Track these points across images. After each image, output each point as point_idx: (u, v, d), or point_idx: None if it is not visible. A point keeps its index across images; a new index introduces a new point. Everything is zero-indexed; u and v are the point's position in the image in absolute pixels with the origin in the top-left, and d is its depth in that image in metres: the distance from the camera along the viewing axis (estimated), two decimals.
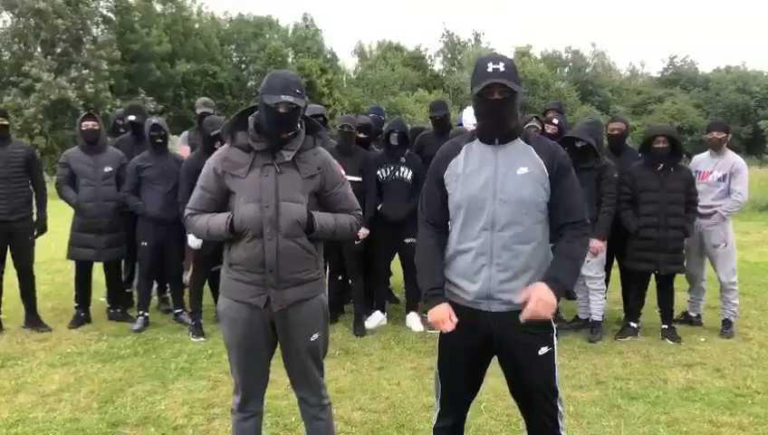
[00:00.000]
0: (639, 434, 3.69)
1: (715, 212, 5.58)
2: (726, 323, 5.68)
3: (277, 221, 2.62)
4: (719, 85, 47.46)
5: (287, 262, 2.66)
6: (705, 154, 5.88)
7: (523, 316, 2.35)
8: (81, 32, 29.30)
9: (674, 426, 3.78)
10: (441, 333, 2.63)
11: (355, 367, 4.79)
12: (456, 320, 2.46)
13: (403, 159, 5.75)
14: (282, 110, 2.59)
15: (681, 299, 5.97)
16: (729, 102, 44.89)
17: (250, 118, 2.72)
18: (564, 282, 2.43)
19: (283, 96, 2.56)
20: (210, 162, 2.75)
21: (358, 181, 5.54)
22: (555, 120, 6.29)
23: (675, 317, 5.71)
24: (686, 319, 6.02)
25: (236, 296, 2.72)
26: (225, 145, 2.75)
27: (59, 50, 28.69)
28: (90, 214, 5.59)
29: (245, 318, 2.71)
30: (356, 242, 5.62)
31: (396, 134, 5.74)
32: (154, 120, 5.83)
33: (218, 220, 2.68)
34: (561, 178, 2.48)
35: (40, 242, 5.76)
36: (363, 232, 5.61)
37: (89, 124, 5.71)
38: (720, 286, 5.75)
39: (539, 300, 2.34)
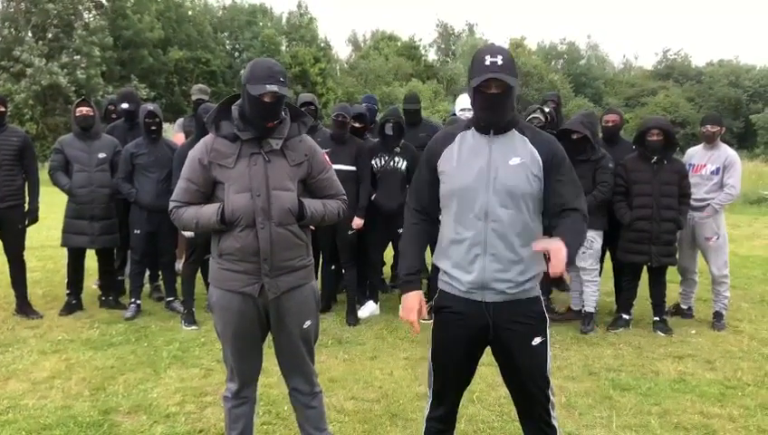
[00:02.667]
0: (631, 425, 3.70)
1: (708, 205, 5.60)
2: (717, 316, 5.72)
3: (269, 210, 2.62)
4: (712, 79, 47.61)
5: (280, 250, 2.65)
6: (699, 147, 5.90)
7: (554, 270, 2.26)
8: (72, 17, 28.99)
9: (665, 417, 3.81)
10: (435, 322, 2.64)
11: (348, 356, 4.80)
12: (424, 314, 2.54)
13: (398, 149, 5.73)
14: (267, 99, 2.58)
15: (673, 291, 6.00)
16: (721, 96, 45.06)
17: (234, 107, 2.69)
18: (572, 249, 2.33)
19: (267, 86, 2.54)
20: (194, 153, 2.71)
21: (352, 171, 5.53)
22: (546, 108, 6.27)
23: (666, 309, 5.74)
24: (678, 311, 6.05)
25: (228, 286, 2.70)
26: (210, 135, 2.72)
27: (50, 35, 28.39)
28: (83, 200, 5.55)
29: (239, 308, 2.70)
30: (349, 232, 5.61)
31: (391, 124, 5.71)
32: (149, 106, 5.78)
33: (208, 212, 2.65)
34: (558, 171, 2.48)
35: (32, 228, 5.72)
36: (357, 222, 5.60)
37: (83, 110, 5.66)
38: (711, 279, 5.79)
39: (560, 256, 2.26)
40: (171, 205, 2.77)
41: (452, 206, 2.51)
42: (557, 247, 2.26)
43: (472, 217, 2.45)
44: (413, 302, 2.55)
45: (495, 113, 2.45)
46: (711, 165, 5.69)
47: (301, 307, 2.77)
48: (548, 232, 2.60)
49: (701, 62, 52.89)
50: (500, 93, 2.40)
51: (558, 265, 2.25)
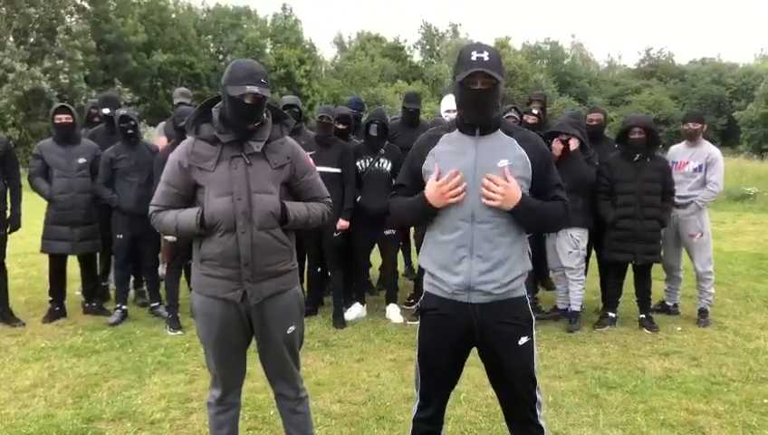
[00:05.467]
0: (617, 423, 3.71)
1: (692, 202, 5.63)
2: (702, 312, 5.75)
3: (250, 214, 2.58)
4: (695, 77, 48.07)
5: (262, 254, 2.61)
6: (682, 145, 5.94)
7: (487, 182, 2.38)
8: (54, 21, 28.71)
9: (651, 415, 3.82)
10: (421, 324, 2.63)
11: (334, 359, 4.77)
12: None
13: (383, 151, 5.71)
14: (247, 101, 2.54)
15: (658, 288, 6.04)
16: (704, 94, 45.49)
17: (214, 109, 2.66)
18: (531, 205, 2.43)
19: (248, 87, 2.51)
20: (174, 156, 2.67)
21: (337, 172, 5.51)
22: (535, 111, 6.30)
23: (652, 306, 5.77)
24: (663, 308, 6.08)
25: (210, 292, 2.66)
26: (190, 138, 2.68)
27: (32, 39, 28.12)
28: (63, 206, 5.49)
29: (221, 314, 2.66)
30: (335, 234, 5.59)
31: (376, 125, 5.70)
32: (122, 111, 5.74)
33: (187, 216, 2.61)
34: (545, 173, 2.49)
35: (14, 234, 5.64)
36: (343, 224, 5.58)
37: (62, 118, 5.60)
38: (696, 276, 5.82)
39: (507, 187, 2.37)
40: (151, 209, 2.73)
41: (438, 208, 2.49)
42: (513, 190, 2.37)
43: (458, 218, 2.43)
44: (434, 184, 2.43)
45: (480, 110, 2.44)
46: (694, 162, 5.72)
47: (284, 313, 2.73)
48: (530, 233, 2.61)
49: (684, 61, 53.48)
50: (486, 89, 2.39)
51: (495, 195, 2.37)
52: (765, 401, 4.02)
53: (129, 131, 5.59)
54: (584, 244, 5.55)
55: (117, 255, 5.76)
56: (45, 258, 5.84)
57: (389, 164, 5.68)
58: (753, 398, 4.07)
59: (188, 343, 5.05)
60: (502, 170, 2.41)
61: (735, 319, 5.88)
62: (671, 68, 51.83)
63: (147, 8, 35.77)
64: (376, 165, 5.70)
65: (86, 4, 31.37)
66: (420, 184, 2.55)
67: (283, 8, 44.73)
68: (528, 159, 2.45)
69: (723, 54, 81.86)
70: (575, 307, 5.58)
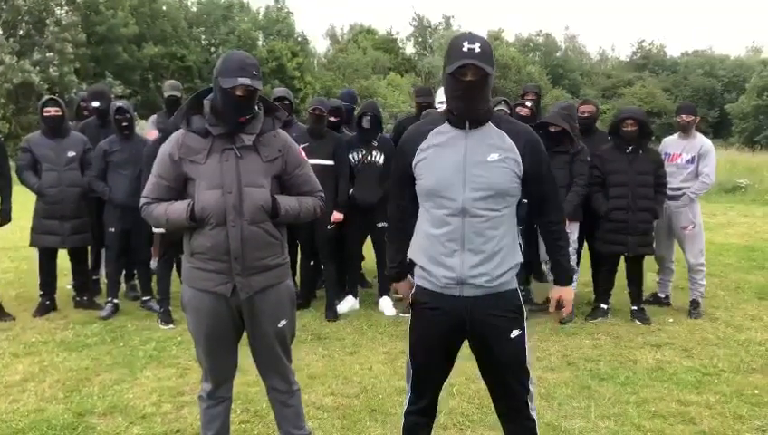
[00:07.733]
0: (609, 415, 3.72)
1: (684, 194, 5.65)
2: (694, 304, 5.77)
3: (241, 207, 2.56)
4: (687, 69, 48.24)
5: (253, 248, 2.60)
6: (674, 136, 5.95)
7: (563, 317, 2.57)
8: (44, 13, 28.49)
9: (643, 406, 3.83)
10: (412, 318, 2.62)
11: (327, 352, 4.76)
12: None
13: (375, 143, 5.70)
14: (239, 93, 2.52)
15: (650, 280, 6.05)
16: (696, 86, 45.64)
17: (205, 101, 2.63)
18: (569, 270, 2.72)
19: (239, 79, 2.48)
20: (165, 148, 2.65)
21: (330, 165, 5.49)
22: (528, 103, 6.29)
23: (644, 298, 5.78)
24: (655, 300, 6.10)
25: (200, 286, 2.65)
26: (181, 130, 2.65)
27: (21, 32, 27.92)
28: (53, 200, 5.45)
29: (211, 308, 2.65)
30: (328, 226, 5.57)
31: (368, 117, 5.68)
32: (118, 103, 5.70)
33: (178, 208, 2.59)
34: (538, 167, 2.47)
35: (4, 228, 5.61)
36: (337, 216, 5.57)
37: (51, 111, 5.54)
38: (688, 267, 5.84)
39: (569, 302, 2.71)
40: (142, 201, 2.71)
41: (429, 202, 2.48)
42: (568, 300, 2.70)
43: (449, 212, 2.42)
44: (404, 287, 2.78)
45: (470, 102, 2.40)
46: (686, 154, 5.73)
47: (275, 307, 2.72)
48: (523, 223, 2.61)
49: (676, 53, 53.65)
50: (476, 81, 2.35)
51: (569, 307, 2.74)
52: (756, 391, 4.04)
53: (125, 124, 5.55)
54: (575, 236, 5.56)
55: (109, 248, 5.72)
56: (36, 252, 5.80)
57: (382, 157, 5.66)
58: (744, 388, 4.09)
59: (180, 337, 5.03)
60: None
61: (727, 310, 5.91)
62: (663, 60, 51.96)
63: (137, 0, 35.51)
64: (368, 157, 5.68)
65: None
66: (410, 180, 2.53)
67: (276, 0, 44.56)
68: (518, 152, 2.43)
69: (714, 47, 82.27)
70: None
